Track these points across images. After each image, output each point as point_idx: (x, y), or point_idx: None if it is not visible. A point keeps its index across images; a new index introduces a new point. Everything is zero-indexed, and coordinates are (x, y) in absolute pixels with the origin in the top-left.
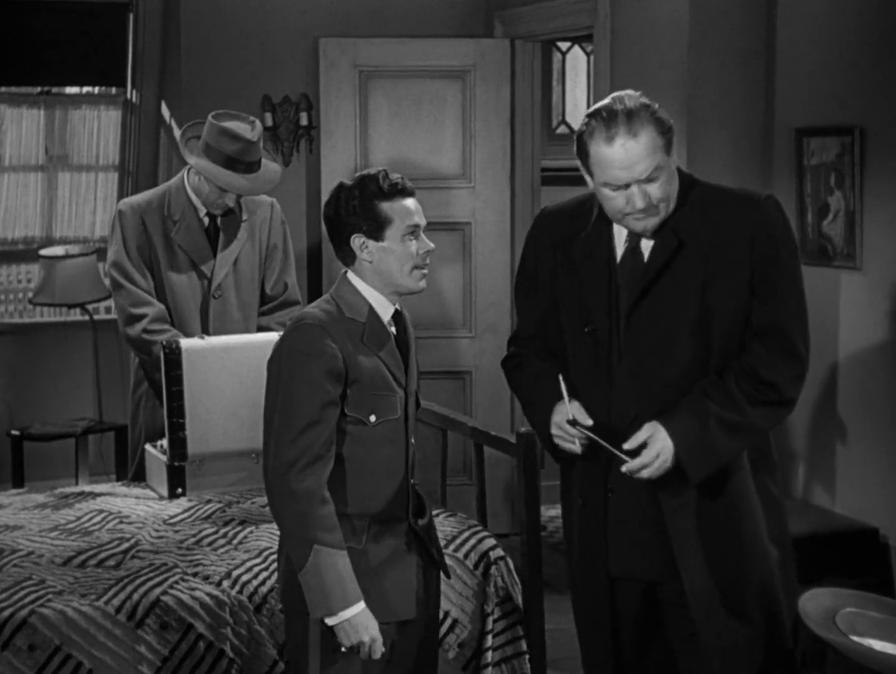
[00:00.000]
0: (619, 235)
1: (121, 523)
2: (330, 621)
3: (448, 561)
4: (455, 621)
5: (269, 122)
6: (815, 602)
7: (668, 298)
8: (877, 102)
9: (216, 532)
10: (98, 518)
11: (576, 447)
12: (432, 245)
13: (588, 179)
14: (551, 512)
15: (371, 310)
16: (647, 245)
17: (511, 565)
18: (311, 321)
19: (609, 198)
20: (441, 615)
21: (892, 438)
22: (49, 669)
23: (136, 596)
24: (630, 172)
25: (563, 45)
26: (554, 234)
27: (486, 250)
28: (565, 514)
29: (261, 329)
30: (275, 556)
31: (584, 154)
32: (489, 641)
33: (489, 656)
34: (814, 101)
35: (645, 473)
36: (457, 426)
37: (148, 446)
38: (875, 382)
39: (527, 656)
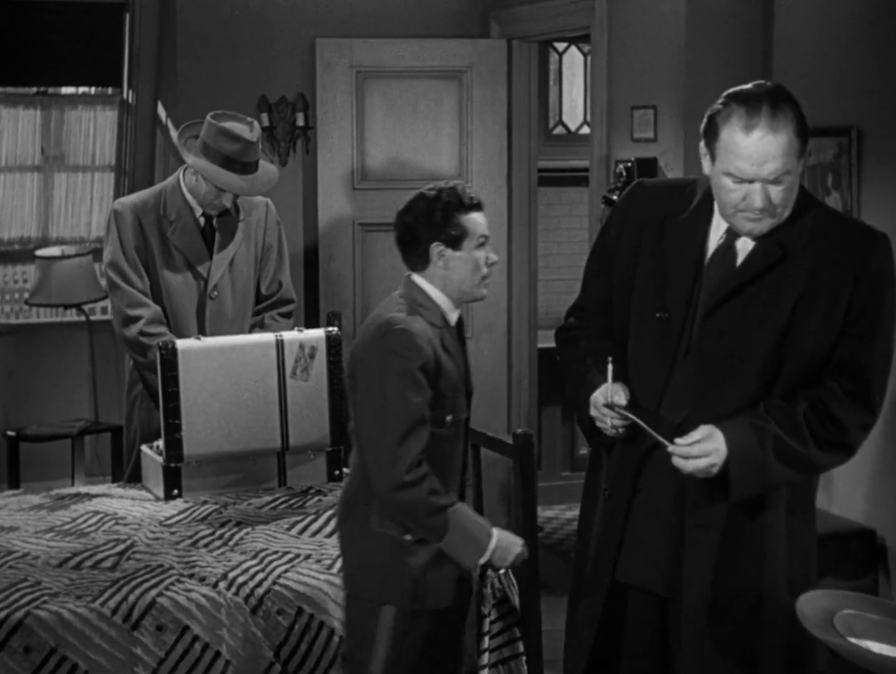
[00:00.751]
0: (717, 229)
1: (116, 524)
2: (484, 559)
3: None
4: None
5: (266, 123)
6: (812, 604)
7: (755, 306)
8: (874, 103)
9: (212, 533)
10: (94, 519)
11: (609, 428)
12: (497, 257)
13: (706, 163)
14: (548, 513)
15: (443, 314)
16: (742, 246)
17: (508, 569)
18: (402, 324)
19: (727, 189)
20: None
21: (889, 439)
22: (45, 670)
23: (131, 598)
24: (760, 168)
25: (560, 46)
26: (647, 211)
27: None
28: (586, 504)
29: (254, 325)
30: (271, 557)
31: (712, 135)
32: (486, 642)
33: (486, 657)
34: (811, 102)
35: (689, 466)
36: None
37: (144, 448)
38: None
39: (524, 658)
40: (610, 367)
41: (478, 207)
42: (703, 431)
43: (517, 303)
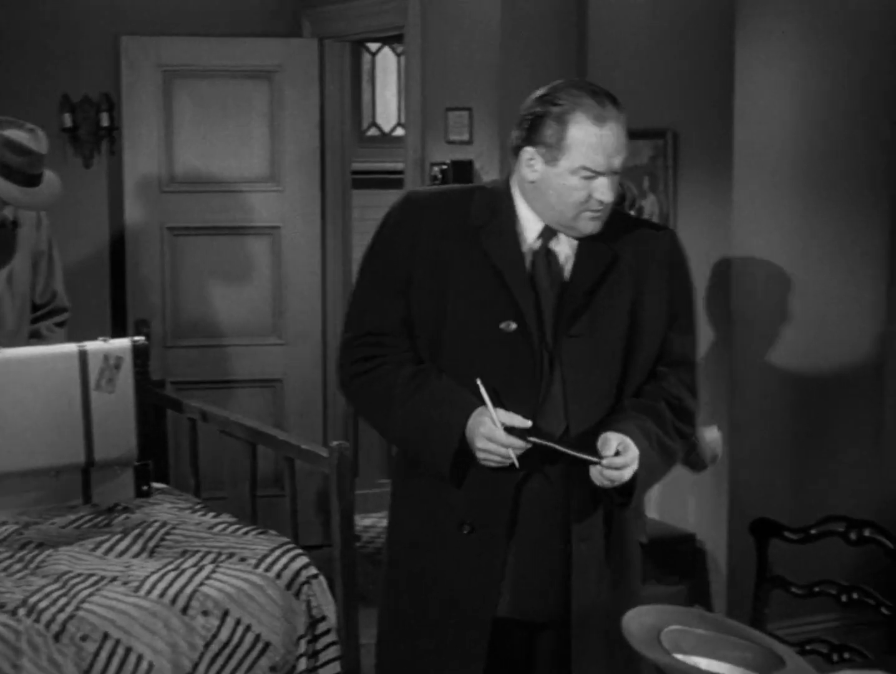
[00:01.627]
0: (527, 233)
1: None
2: None
3: (258, 581)
4: (267, 644)
5: (69, 123)
6: (638, 620)
7: (604, 312)
8: (690, 105)
9: (11, 557)
10: None
11: (513, 459)
12: None
13: (537, 166)
14: (365, 522)
15: None
16: (561, 250)
17: (325, 585)
18: None
19: (573, 188)
20: (252, 638)
21: None
22: None
23: None
24: (612, 159)
25: (373, 47)
26: (436, 220)
27: (297, 255)
28: (414, 546)
29: (33, 335)
30: (75, 580)
31: (556, 134)
32: (303, 663)
33: None
34: (626, 103)
35: (623, 477)
36: (266, 439)
37: None
38: None
39: None
40: (483, 389)
41: None
42: (618, 439)
43: (332, 308)
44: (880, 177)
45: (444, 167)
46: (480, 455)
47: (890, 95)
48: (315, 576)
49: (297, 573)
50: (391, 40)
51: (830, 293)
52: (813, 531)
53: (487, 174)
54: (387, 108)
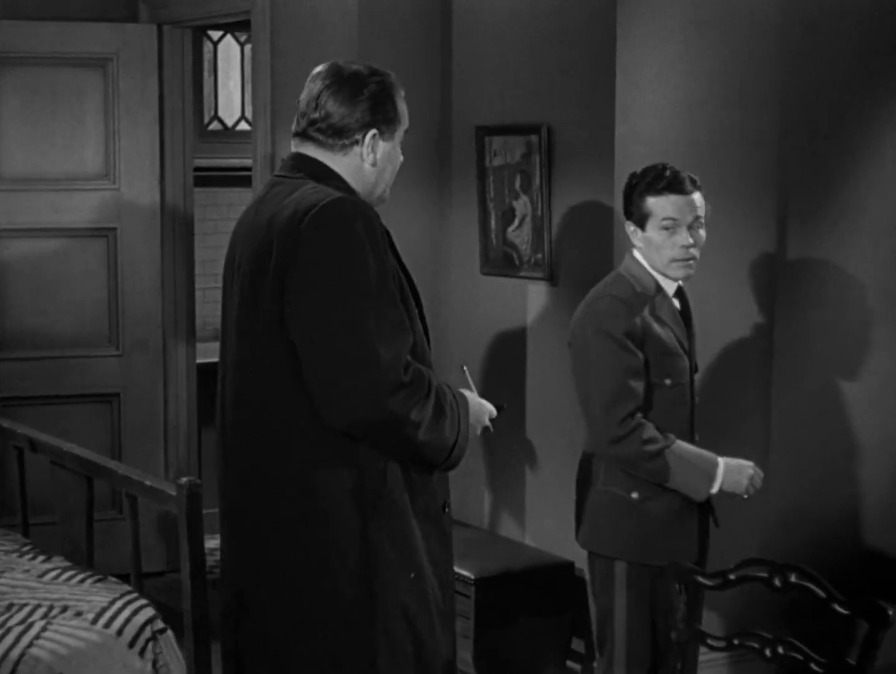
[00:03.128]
0: None
1: None
2: (716, 487)
3: (97, 639)
4: None
5: None
6: None
7: None
8: (566, 98)
9: None
10: None
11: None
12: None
13: (386, 141)
14: (210, 544)
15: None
16: None
17: (172, 640)
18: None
19: (399, 155)
20: None
21: (570, 468)
22: None
23: None
24: None
25: (215, 35)
26: (381, 224)
27: (134, 258)
28: (413, 531)
29: None
30: None
31: (391, 107)
32: None
33: None
34: (496, 98)
35: None
36: (104, 473)
37: None
38: (565, 400)
39: None
40: (467, 373)
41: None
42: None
43: (173, 315)
44: (767, 174)
45: None
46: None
47: (775, 90)
48: (162, 631)
49: (142, 628)
50: (235, 27)
51: (715, 295)
52: (731, 576)
53: None
54: (230, 100)
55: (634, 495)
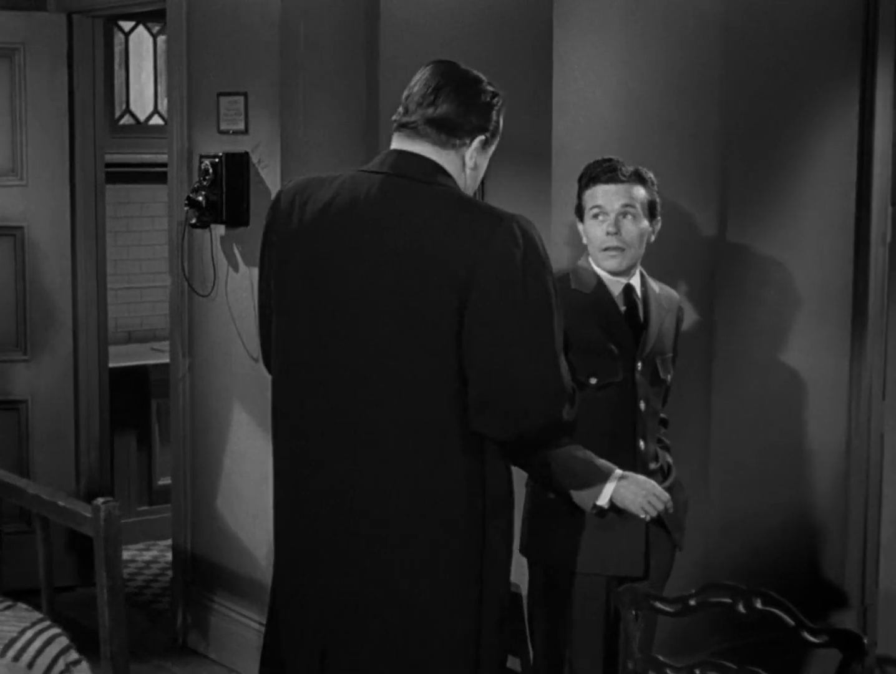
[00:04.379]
0: None
1: None
2: (602, 500)
3: (5, 673)
4: None
5: None
6: None
7: None
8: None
9: None
10: None
11: None
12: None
13: (486, 149)
14: (124, 555)
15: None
16: None
17: (88, 671)
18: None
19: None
20: None
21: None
22: None
23: None
24: None
25: (126, 26)
26: None
27: (43, 258)
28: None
29: None
30: None
31: (498, 120)
32: None
33: None
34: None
35: None
36: (13, 493)
37: None
38: None
39: None
40: None
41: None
42: None
43: (84, 316)
44: (708, 169)
45: (216, 160)
46: None
47: (716, 84)
48: (76, 662)
49: (55, 660)
50: (148, 17)
51: None
52: (692, 602)
53: (267, 168)
54: (142, 93)
55: (551, 496)
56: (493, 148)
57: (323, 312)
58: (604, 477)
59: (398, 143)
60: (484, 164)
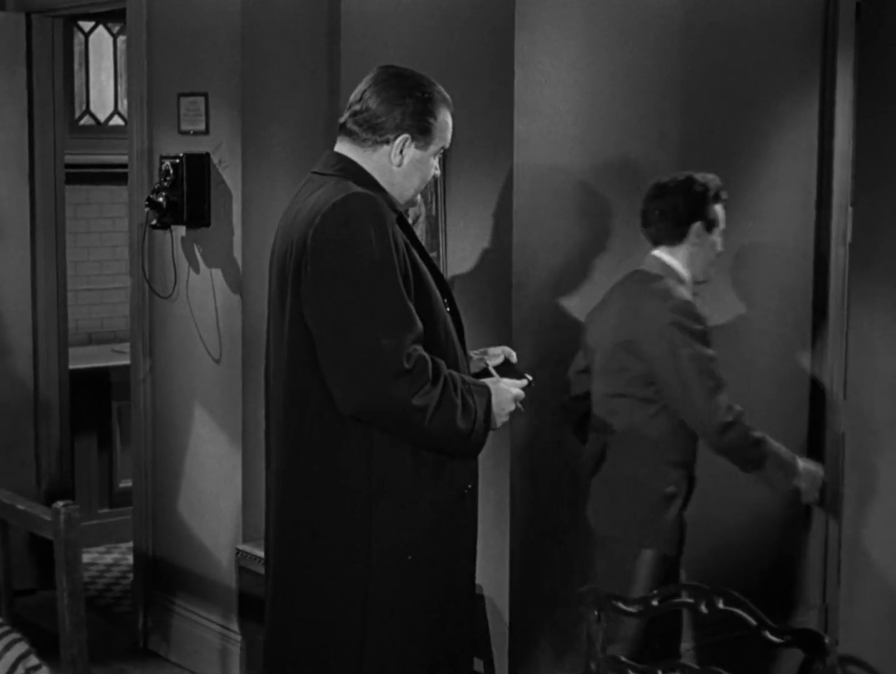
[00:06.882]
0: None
1: None
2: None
3: None
4: None
5: None
6: None
7: None
8: (459, 96)
9: None
10: None
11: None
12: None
13: (418, 148)
14: (84, 558)
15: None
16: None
17: None
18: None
19: (431, 166)
20: None
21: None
22: None
23: None
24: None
25: (86, 26)
26: (391, 218)
27: (2, 260)
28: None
29: None
30: None
31: (427, 120)
32: None
33: None
34: None
35: None
36: None
37: None
38: None
39: None
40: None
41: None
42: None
43: (44, 318)
44: (669, 170)
45: (177, 161)
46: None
47: (677, 87)
48: (36, 668)
49: (14, 666)
50: (108, 17)
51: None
52: (654, 603)
53: (228, 168)
54: (102, 94)
55: (671, 489)
56: (431, 148)
57: (271, 308)
58: (794, 457)
59: (337, 144)
60: (421, 164)
